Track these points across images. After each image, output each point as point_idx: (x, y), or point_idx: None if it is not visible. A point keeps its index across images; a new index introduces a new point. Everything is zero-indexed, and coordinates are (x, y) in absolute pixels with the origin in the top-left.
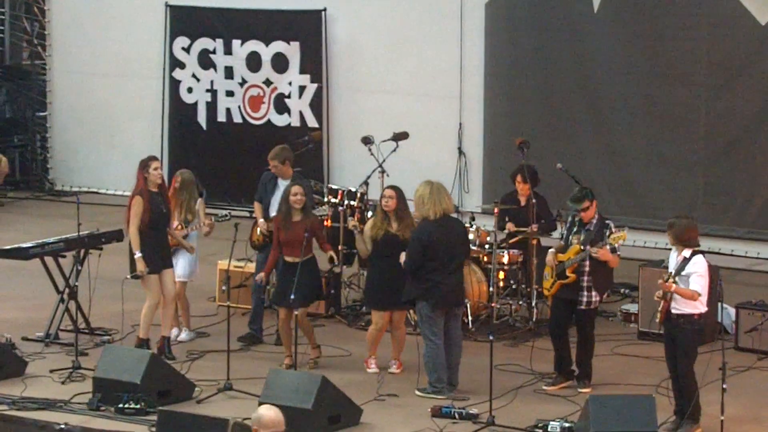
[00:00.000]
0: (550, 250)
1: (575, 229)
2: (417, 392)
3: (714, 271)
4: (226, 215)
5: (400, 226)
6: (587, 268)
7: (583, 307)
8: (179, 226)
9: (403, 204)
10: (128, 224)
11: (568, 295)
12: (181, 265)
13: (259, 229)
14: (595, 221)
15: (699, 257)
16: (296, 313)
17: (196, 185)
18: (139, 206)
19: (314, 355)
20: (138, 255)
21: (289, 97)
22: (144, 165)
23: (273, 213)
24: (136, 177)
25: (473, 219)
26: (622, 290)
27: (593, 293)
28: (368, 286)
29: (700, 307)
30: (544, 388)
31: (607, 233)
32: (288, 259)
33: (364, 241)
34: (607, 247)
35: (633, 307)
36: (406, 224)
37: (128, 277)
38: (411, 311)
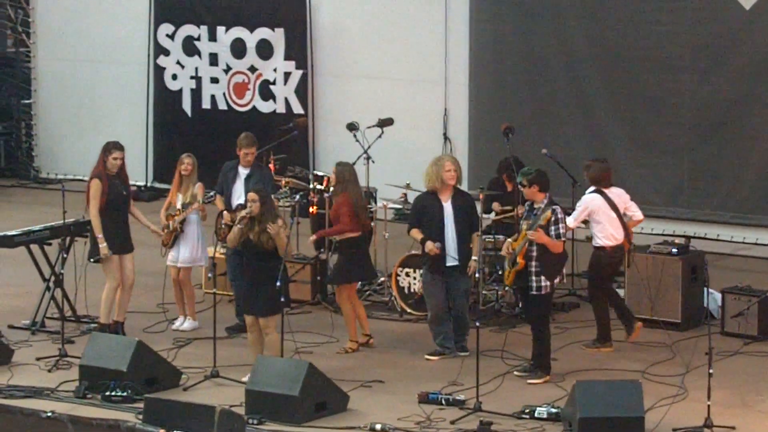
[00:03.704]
0: (507, 241)
1: (525, 215)
2: (427, 357)
3: (698, 255)
4: (211, 196)
5: (258, 229)
6: (535, 253)
7: (533, 292)
8: (178, 211)
9: (266, 207)
10: (88, 207)
11: (522, 282)
12: (183, 250)
13: (222, 221)
14: (543, 206)
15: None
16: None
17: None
18: (97, 189)
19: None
20: (100, 237)
21: (274, 83)
22: (107, 150)
23: (236, 202)
24: (98, 158)
25: None
26: None
27: (542, 278)
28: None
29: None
30: (515, 373)
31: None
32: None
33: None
34: (552, 232)
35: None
36: (263, 229)
37: (91, 260)
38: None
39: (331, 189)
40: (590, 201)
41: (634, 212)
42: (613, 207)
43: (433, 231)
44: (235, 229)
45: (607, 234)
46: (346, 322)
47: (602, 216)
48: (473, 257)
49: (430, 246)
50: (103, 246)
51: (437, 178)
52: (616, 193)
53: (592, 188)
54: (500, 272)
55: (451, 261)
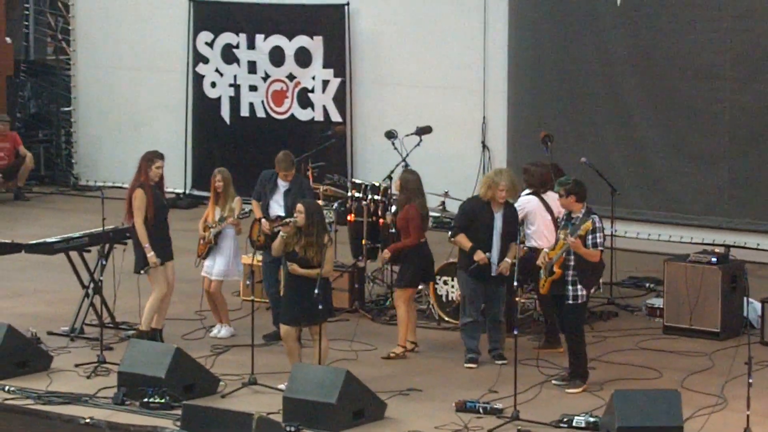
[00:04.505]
0: (543, 250)
1: (563, 224)
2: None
3: (738, 264)
4: (246, 212)
5: (304, 243)
6: (572, 263)
7: (570, 301)
8: (215, 223)
9: (311, 220)
10: (130, 217)
11: (557, 290)
12: (218, 263)
13: (260, 229)
14: (581, 215)
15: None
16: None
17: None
18: (142, 200)
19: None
20: (147, 246)
21: (312, 91)
22: (148, 159)
23: (273, 213)
24: (138, 167)
25: None
26: (647, 285)
27: (578, 287)
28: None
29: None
30: (553, 382)
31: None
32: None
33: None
34: (589, 242)
35: (658, 302)
36: (309, 242)
37: (142, 271)
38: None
39: (395, 197)
40: (527, 203)
41: None
42: (549, 210)
43: (481, 239)
44: (278, 238)
45: (540, 235)
46: (399, 325)
47: (537, 218)
48: (507, 258)
49: (481, 255)
50: (151, 255)
51: (492, 193)
52: (552, 197)
53: (528, 191)
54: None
55: (495, 270)
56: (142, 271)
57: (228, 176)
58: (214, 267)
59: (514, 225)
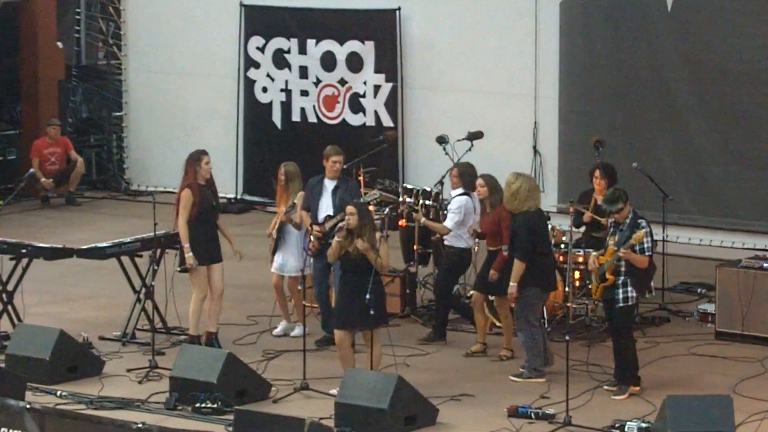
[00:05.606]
0: (592, 255)
1: (611, 230)
2: (512, 378)
3: None
4: (291, 205)
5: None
6: (623, 269)
7: (620, 304)
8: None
9: (363, 221)
10: (178, 217)
11: (609, 295)
12: (289, 260)
13: (312, 236)
14: (628, 221)
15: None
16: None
17: (299, 177)
18: (188, 199)
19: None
20: (186, 246)
21: (363, 96)
22: (195, 159)
23: (322, 215)
24: (185, 170)
25: (548, 218)
26: (699, 290)
27: (629, 288)
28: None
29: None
30: (605, 387)
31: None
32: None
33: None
34: (637, 248)
35: (710, 307)
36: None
37: (178, 270)
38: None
39: (475, 199)
40: (465, 202)
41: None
42: (476, 210)
43: None
44: (334, 243)
45: (469, 237)
46: (505, 329)
47: (471, 218)
48: (511, 281)
49: None
50: (189, 256)
51: None
52: (476, 197)
53: (460, 191)
54: (589, 286)
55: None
56: (178, 269)
57: (292, 170)
58: (286, 264)
59: (512, 233)
